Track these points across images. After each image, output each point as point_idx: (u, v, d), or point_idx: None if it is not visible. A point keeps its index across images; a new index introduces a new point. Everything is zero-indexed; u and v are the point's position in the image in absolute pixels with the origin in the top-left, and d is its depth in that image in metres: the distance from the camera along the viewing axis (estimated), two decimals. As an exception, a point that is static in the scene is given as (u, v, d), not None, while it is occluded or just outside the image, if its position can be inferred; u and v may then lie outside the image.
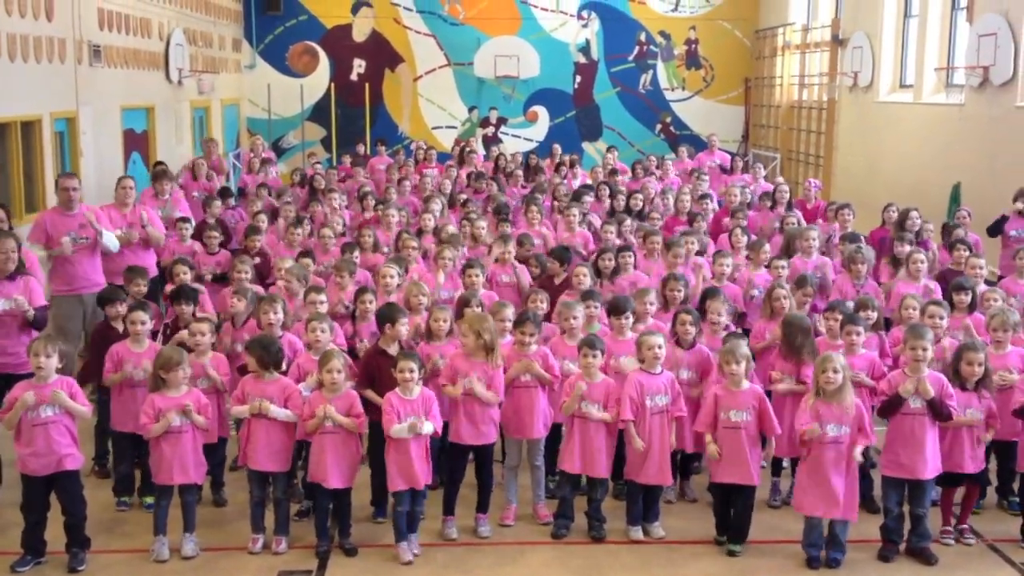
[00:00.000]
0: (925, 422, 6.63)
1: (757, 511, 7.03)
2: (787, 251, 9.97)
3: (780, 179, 15.22)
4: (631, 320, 7.58)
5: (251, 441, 6.72)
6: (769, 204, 12.30)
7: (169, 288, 8.50)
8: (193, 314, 7.79)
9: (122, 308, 7.61)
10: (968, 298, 8.10)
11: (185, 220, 10.48)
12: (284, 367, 6.97)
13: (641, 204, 12.28)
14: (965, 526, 7.10)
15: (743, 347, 6.83)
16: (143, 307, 7.30)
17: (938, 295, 8.48)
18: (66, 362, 6.70)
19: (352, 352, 7.44)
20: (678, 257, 9.28)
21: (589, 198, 12.41)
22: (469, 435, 6.94)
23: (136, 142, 16.77)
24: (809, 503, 6.57)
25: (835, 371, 6.46)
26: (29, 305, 7.48)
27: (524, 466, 7.30)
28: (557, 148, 18.44)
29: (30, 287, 7.56)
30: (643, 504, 7.05)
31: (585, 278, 8.60)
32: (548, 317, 8.02)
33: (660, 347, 6.92)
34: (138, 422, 6.81)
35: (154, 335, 7.60)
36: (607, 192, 12.94)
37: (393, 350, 7.01)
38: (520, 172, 15.08)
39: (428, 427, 6.54)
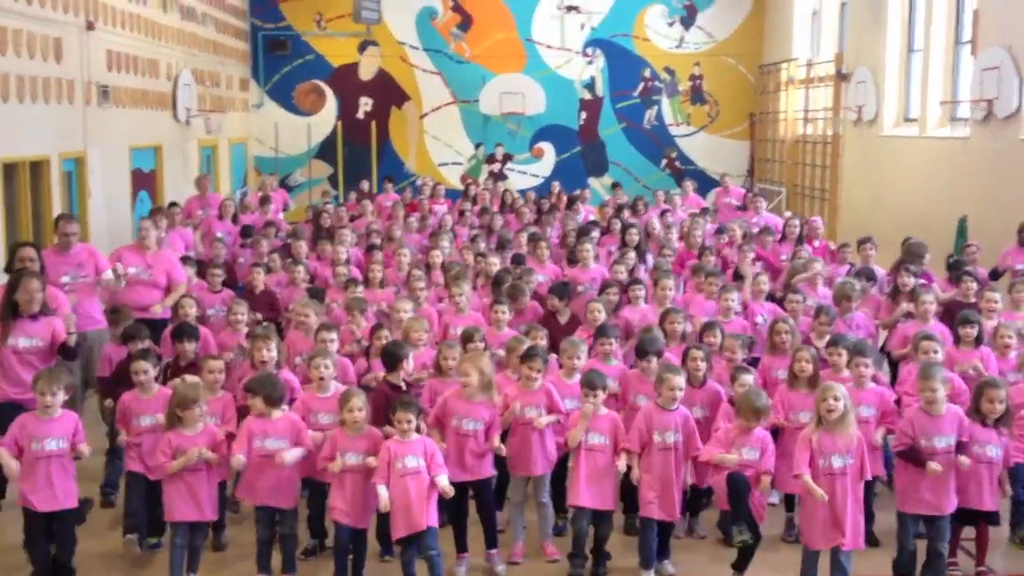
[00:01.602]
0: (951, 460, 6.59)
1: (772, 547, 7.03)
2: (787, 285, 9.90)
3: (788, 213, 15.20)
4: (656, 361, 7.44)
5: (257, 478, 6.65)
6: (772, 238, 12.18)
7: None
8: (196, 352, 7.79)
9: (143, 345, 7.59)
10: (975, 332, 8.02)
11: (187, 260, 10.53)
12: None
13: (637, 239, 12.03)
14: (983, 568, 6.97)
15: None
16: (144, 356, 7.18)
17: (948, 338, 8.28)
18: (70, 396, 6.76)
19: (366, 388, 7.38)
20: (666, 289, 9.24)
21: (595, 233, 12.36)
22: (457, 472, 6.77)
23: (144, 181, 16.86)
24: (814, 537, 6.40)
25: (836, 399, 6.35)
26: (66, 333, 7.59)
27: (531, 503, 7.25)
28: (556, 186, 18.51)
29: (54, 326, 7.62)
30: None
31: (600, 314, 8.56)
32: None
33: (680, 388, 6.84)
34: (149, 462, 6.80)
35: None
36: (618, 226, 12.89)
37: (403, 384, 7.07)
38: (527, 210, 14.97)
39: (443, 479, 6.41)
